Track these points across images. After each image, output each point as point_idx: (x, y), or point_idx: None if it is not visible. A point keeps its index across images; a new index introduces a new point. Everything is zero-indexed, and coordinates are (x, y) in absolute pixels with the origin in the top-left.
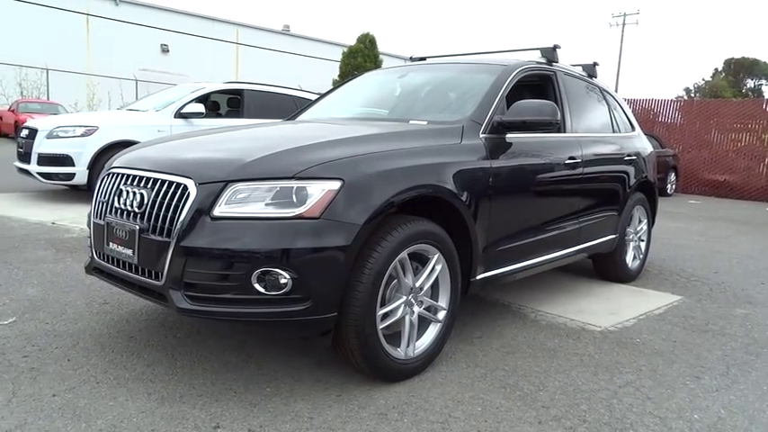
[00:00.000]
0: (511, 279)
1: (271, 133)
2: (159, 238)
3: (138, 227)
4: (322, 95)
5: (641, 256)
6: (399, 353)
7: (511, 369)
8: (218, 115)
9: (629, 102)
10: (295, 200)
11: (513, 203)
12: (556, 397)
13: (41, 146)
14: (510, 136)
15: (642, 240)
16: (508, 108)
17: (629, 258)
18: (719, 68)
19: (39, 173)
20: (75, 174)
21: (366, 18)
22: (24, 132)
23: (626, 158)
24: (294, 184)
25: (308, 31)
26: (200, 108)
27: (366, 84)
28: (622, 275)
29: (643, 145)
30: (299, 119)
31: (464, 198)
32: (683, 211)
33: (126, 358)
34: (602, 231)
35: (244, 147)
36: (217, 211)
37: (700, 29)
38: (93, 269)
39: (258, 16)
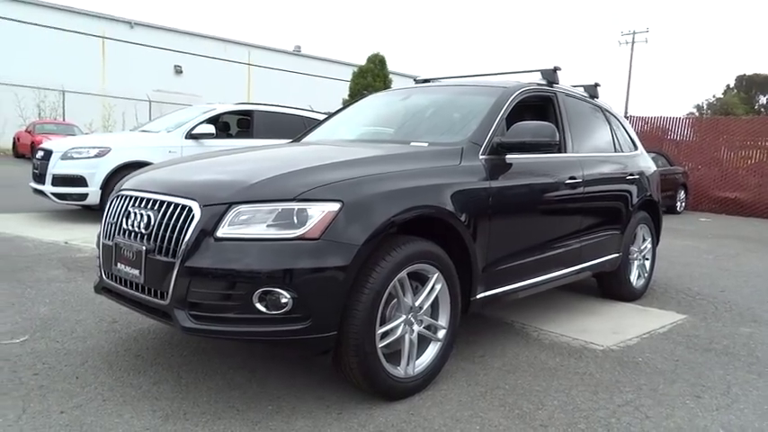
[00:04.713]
0: (512, 298)
1: (275, 155)
2: (165, 259)
3: (144, 247)
4: (328, 117)
5: (646, 275)
6: (399, 371)
7: (511, 388)
8: (229, 136)
9: (638, 120)
10: (296, 221)
11: (512, 224)
12: (554, 416)
13: (56, 167)
14: (510, 157)
15: (647, 259)
16: (508, 129)
17: (633, 277)
18: (731, 85)
19: (53, 193)
20: (88, 194)
21: (376, 37)
22: (40, 154)
23: (628, 178)
24: (295, 205)
25: (318, 51)
26: (211, 129)
27: (371, 106)
28: (627, 294)
29: (646, 164)
30: (305, 140)
31: (463, 218)
32: (692, 228)
33: (132, 376)
34: (605, 250)
35: (247, 169)
36: (220, 233)
37: (711, 45)
38: (101, 289)
39: (270, 37)
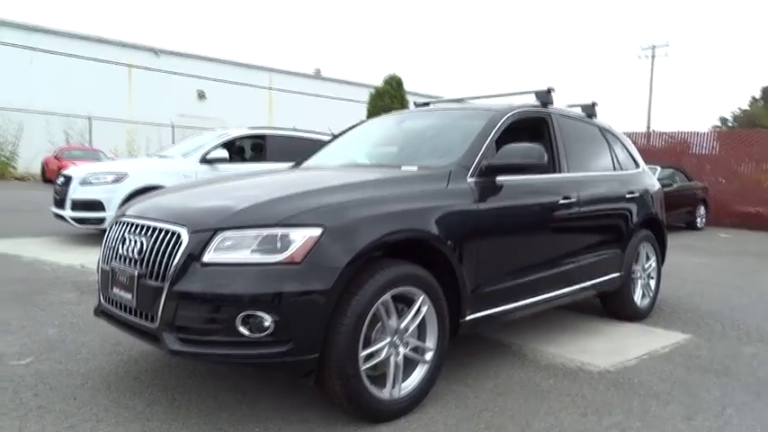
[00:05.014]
0: (508, 319)
1: (267, 182)
2: (155, 283)
3: (137, 272)
4: (329, 140)
5: (651, 294)
6: (384, 394)
7: (500, 410)
8: (244, 160)
9: (659, 135)
10: (278, 246)
11: (503, 245)
12: None
13: (75, 192)
14: (501, 179)
15: (652, 278)
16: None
17: (637, 296)
18: (757, 97)
19: (72, 218)
20: (105, 218)
21: (396, 56)
22: (60, 180)
23: (627, 196)
24: (278, 231)
25: (338, 72)
26: (224, 154)
27: (368, 130)
28: (631, 313)
29: (649, 181)
30: (304, 164)
31: (449, 241)
32: (710, 245)
33: (128, 397)
34: (605, 269)
35: (236, 196)
36: (206, 258)
37: (735, 57)
38: (100, 312)
39: (291, 60)
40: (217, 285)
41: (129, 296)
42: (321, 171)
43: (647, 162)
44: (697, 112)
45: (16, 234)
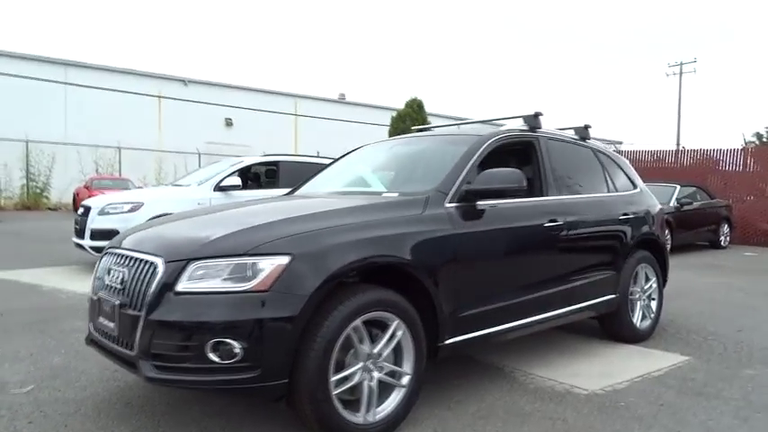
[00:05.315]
0: (491, 342)
1: (249, 211)
2: (133, 312)
3: (118, 302)
4: (325, 167)
5: (652, 316)
6: (358, 418)
7: None
8: (259, 186)
9: (686, 153)
10: (249, 274)
11: (483, 269)
12: None
13: (94, 222)
14: (482, 203)
15: (653, 299)
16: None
17: (636, 318)
18: None
19: (91, 247)
20: None
21: (419, 78)
22: (81, 210)
23: (621, 218)
24: (248, 260)
25: (362, 96)
26: (237, 181)
27: (361, 156)
28: (629, 335)
29: (647, 202)
30: (298, 192)
31: (424, 266)
32: (732, 263)
33: (116, 424)
34: (598, 292)
35: (214, 226)
36: (180, 287)
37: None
38: (90, 341)
39: (316, 85)
40: (188, 314)
41: (111, 325)
42: (306, 199)
43: (673, 180)
44: (730, 128)
45: (41, 264)
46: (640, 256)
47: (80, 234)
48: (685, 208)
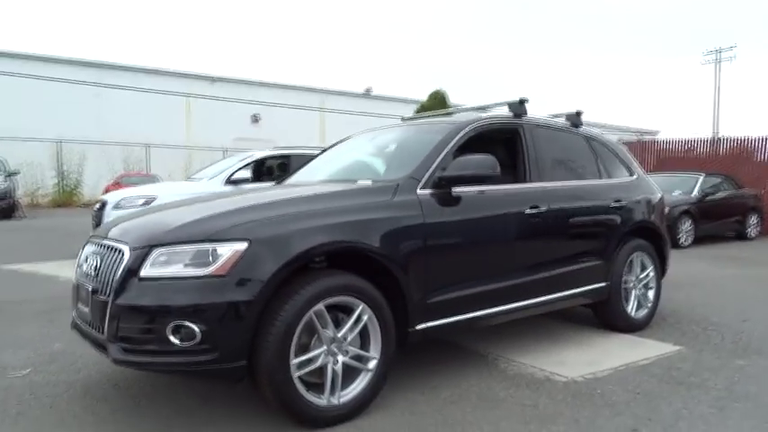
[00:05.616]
0: (469, 328)
1: (221, 202)
2: (103, 298)
3: (91, 287)
4: (314, 156)
5: (649, 305)
6: (322, 400)
7: (442, 419)
8: (272, 179)
9: (721, 141)
10: (209, 260)
11: (457, 256)
12: None
13: (108, 216)
14: (458, 190)
15: (650, 288)
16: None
17: (630, 307)
18: None
19: None
20: None
21: (445, 69)
22: (97, 205)
23: (613, 205)
24: (208, 246)
25: (388, 89)
26: (247, 174)
27: (347, 146)
28: (624, 325)
29: (646, 190)
30: (285, 182)
31: (391, 252)
32: (756, 255)
33: (99, 404)
34: (586, 280)
35: (191, 213)
36: (143, 273)
37: None
38: (74, 326)
39: (342, 79)
40: (150, 298)
41: (86, 310)
42: (285, 188)
43: (709, 169)
44: None
45: (62, 257)
46: (635, 244)
47: (97, 228)
48: (709, 198)
